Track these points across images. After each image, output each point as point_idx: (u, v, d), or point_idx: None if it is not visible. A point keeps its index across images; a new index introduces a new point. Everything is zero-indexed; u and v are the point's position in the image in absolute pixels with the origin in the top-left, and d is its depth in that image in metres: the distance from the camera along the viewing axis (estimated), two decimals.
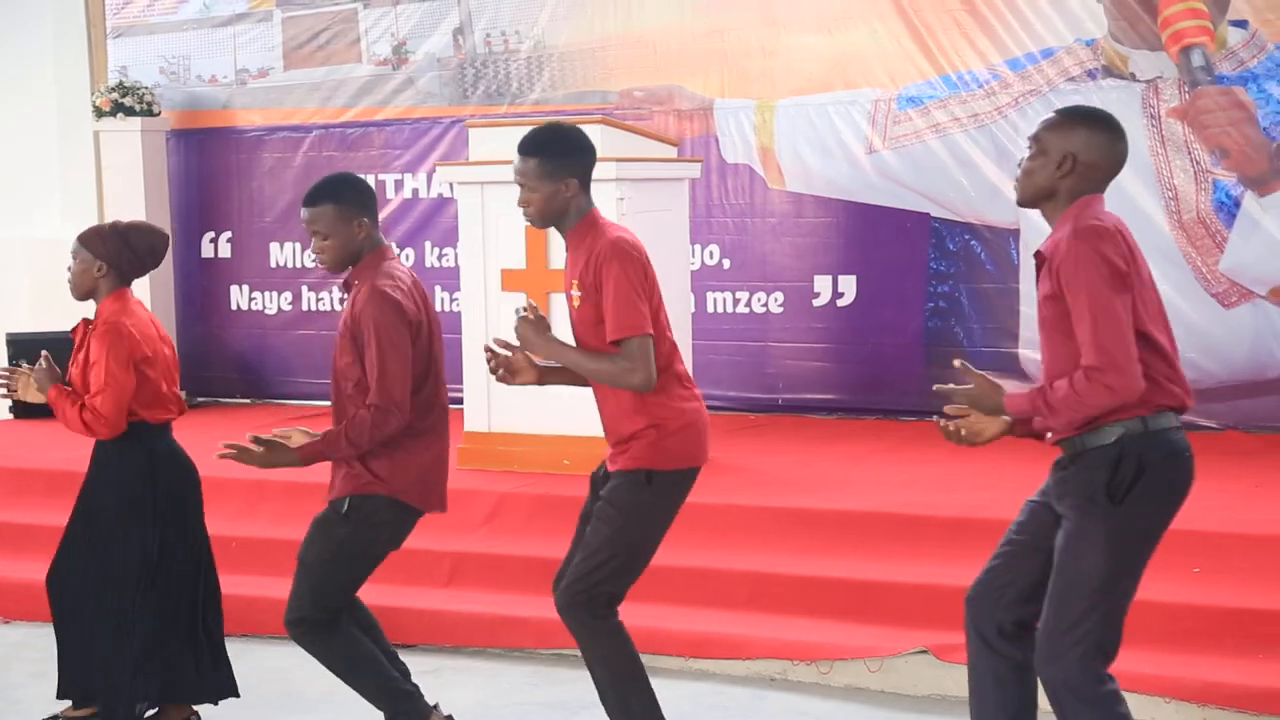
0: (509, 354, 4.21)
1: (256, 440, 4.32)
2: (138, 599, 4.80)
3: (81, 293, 4.87)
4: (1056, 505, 3.59)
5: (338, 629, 4.41)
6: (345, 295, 4.43)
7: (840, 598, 5.42)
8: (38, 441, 7.86)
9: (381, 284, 4.26)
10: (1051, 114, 3.67)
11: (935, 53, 7.75)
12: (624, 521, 4.08)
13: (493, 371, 4.25)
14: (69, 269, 4.86)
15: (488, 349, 4.24)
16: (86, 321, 4.89)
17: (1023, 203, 3.67)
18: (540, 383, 4.27)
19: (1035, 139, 3.61)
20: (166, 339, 4.94)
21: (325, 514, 4.39)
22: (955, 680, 4.89)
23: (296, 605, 4.37)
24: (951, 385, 3.67)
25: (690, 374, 4.32)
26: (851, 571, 5.51)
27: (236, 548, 6.33)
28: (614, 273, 4.01)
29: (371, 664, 4.46)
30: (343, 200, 4.33)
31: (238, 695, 4.97)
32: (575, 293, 4.11)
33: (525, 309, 4.17)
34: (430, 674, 5.30)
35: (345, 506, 4.32)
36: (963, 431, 3.65)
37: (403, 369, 4.20)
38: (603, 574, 4.09)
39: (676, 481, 4.14)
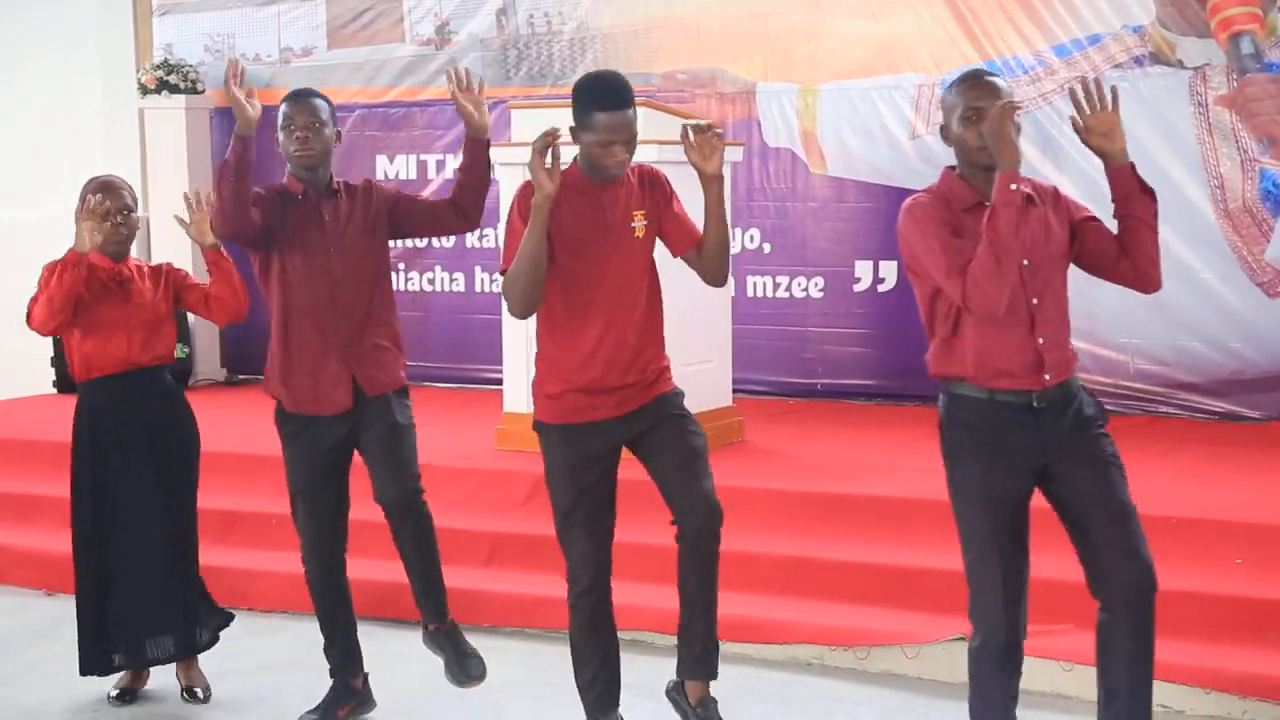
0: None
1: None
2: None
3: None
4: (1079, 437, 3.68)
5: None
6: None
7: (878, 583, 5.41)
8: None
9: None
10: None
11: (980, 38, 7.70)
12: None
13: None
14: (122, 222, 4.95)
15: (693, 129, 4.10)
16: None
17: None
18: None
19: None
20: None
21: (399, 398, 4.60)
22: None
23: (415, 475, 4.55)
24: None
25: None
26: (889, 557, 5.50)
27: (275, 525, 6.37)
28: (673, 191, 4.18)
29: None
30: None
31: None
32: (640, 223, 4.10)
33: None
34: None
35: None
36: (1097, 120, 3.71)
37: None
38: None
39: None
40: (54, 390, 8.85)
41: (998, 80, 3.76)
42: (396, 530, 4.60)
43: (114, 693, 5.05)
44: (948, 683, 5.00)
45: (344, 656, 4.76)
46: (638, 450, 4.16)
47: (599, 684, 4.27)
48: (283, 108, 4.60)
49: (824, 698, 4.98)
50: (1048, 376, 3.69)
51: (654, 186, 4.16)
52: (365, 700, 4.82)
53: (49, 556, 6.43)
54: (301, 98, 4.66)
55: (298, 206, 4.56)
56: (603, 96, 4.00)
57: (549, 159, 3.91)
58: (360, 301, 4.57)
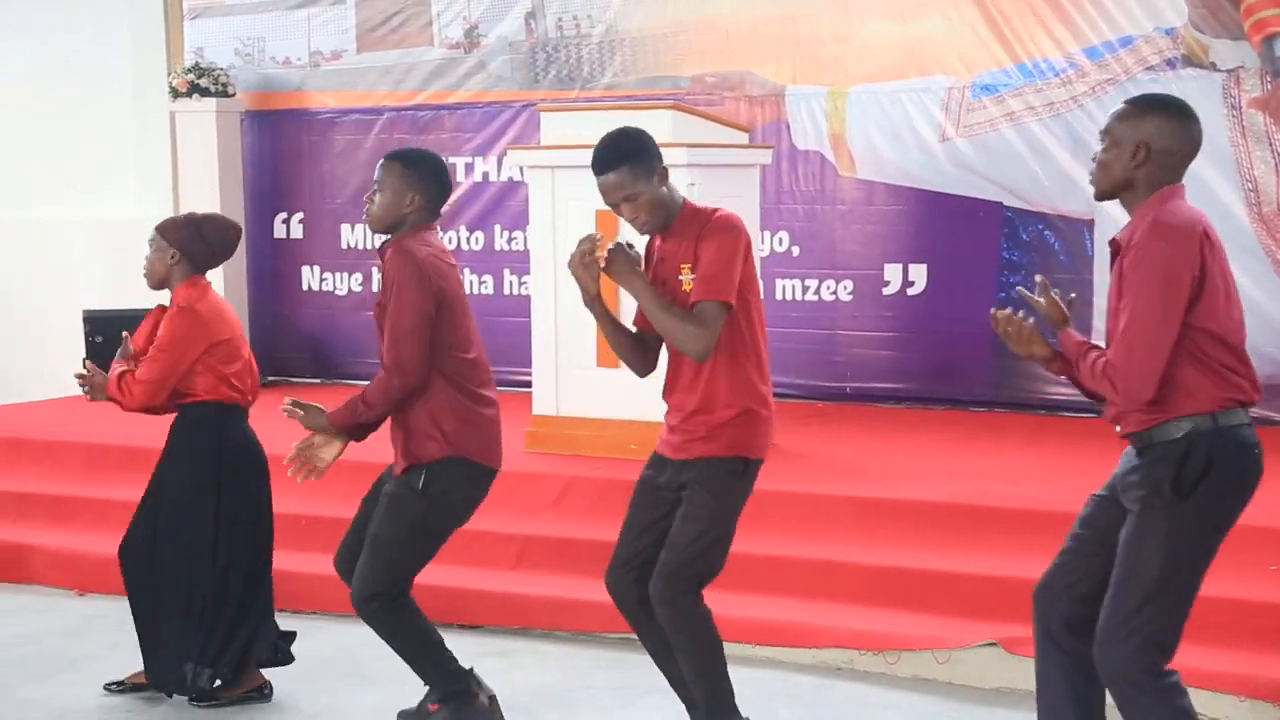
0: None
1: (295, 404, 4.49)
2: (204, 573, 4.89)
3: (155, 280, 4.99)
4: (1123, 498, 3.56)
5: (405, 605, 4.48)
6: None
7: (908, 588, 5.39)
8: (112, 417, 7.94)
9: (410, 246, 4.40)
10: (1120, 105, 3.64)
11: (1011, 40, 7.68)
12: (724, 509, 4.09)
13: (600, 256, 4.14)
14: (146, 258, 4.96)
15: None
16: (162, 308, 4.98)
17: (1100, 196, 3.65)
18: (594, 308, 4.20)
19: (1106, 131, 3.60)
20: (238, 325, 5.02)
21: (398, 489, 4.44)
22: (1024, 673, 4.84)
23: (370, 581, 4.42)
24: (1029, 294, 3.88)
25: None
26: (920, 562, 5.48)
27: (306, 525, 6.40)
28: (718, 240, 4.03)
29: (433, 642, 4.53)
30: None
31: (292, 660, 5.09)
32: (686, 276, 4.08)
33: (617, 243, 4.14)
34: (498, 655, 5.34)
35: (421, 481, 4.38)
36: (1008, 330, 3.75)
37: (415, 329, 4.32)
38: (705, 560, 4.10)
39: (756, 469, 4.17)
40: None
41: None
42: None
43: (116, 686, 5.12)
44: (978, 688, 4.99)
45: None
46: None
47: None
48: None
49: (853, 702, 4.97)
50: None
51: (708, 233, 4.06)
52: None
53: (80, 557, 6.47)
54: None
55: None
56: (592, 163, 4.12)
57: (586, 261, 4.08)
58: None
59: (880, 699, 4.98)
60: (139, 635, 5.01)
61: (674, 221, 4.14)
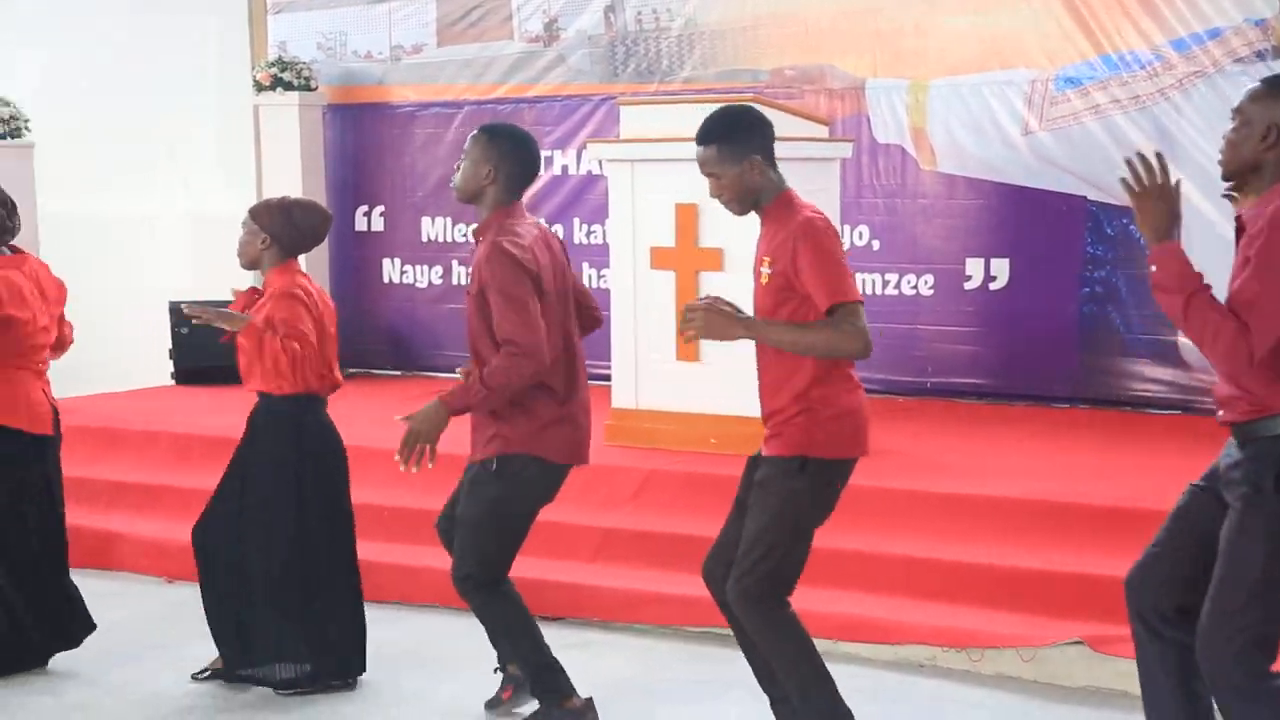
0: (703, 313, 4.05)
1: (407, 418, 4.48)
2: (288, 561, 4.96)
3: (246, 261, 5.07)
4: (1225, 493, 3.52)
5: (501, 589, 4.53)
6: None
7: (991, 585, 5.36)
8: (199, 407, 8.09)
9: (500, 240, 4.39)
10: (1256, 84, 3.58)
11: (1096, 33, 7.60)
12: (780, 509, 4.05)
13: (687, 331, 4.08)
14: (239, 238, 5.05)
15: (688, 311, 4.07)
16: (255, 290, 5.04)
17: (1227, 176, 3.59)
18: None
19: (1238, 110, 3.54)
20: (332, 314, 5.07)
21: (476, 473, 4.52)
22: (1112, 672, 4.82)
23: (461, 562, 4.52)
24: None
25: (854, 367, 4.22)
26: (1003, 559, 5.45)
27: (388, 516, 6.46)
28: (812, 246, 3.97)
29: (529, 632, 4.57)
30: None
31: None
32: (766, 269, 4.07)
33: (707, 299, 4.07)
34: (579, 647, 5.36)
35: (494, 465, 4.44)
36: (1148, 184, 3.49)
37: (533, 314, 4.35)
38: (769, 561, 4.06)
39: (830, 470, 4.09)
40: (172, 382, 9.04)
41: None
42: None
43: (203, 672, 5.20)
44: (1064, 686, 4.95)
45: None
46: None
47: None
48: None
49: (937, 700, 4.95)
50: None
51: (793, 246, 3.99)
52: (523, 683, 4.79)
53: (169, 545, 6.56)
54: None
55: None
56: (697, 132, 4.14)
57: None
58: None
59: (964, 697, 4.95)
60: (212, 620, 5.08)
61: (767, 207, 4.12)
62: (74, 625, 5.39)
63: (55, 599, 5.35)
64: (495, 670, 4.88)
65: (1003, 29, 7.81)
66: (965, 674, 5.12)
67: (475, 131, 4.56)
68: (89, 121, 9.90)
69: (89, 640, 5.49)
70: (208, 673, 5.20)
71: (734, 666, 4.44)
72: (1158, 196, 3.49)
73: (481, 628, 4.70)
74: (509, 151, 4.49)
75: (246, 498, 5.02)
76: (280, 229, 4.98)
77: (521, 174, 4.53)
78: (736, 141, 4.07)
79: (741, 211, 4.16)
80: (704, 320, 3.99)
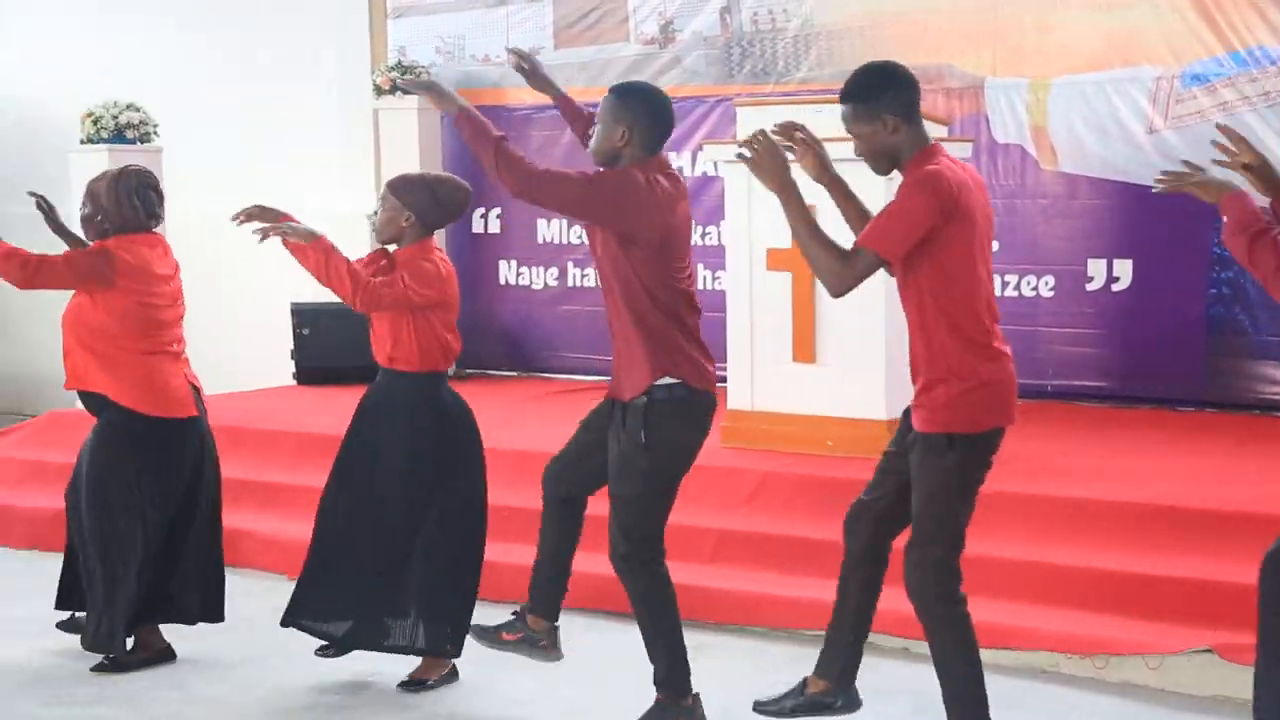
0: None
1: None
2: (405, 544, 5.03)
3: (387, 237, 5.06)
4: None
5: (659, 567, 4.52)
6: None
7: (1116, 591, 5.27)
8: (319, 407, 8.21)
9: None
10: None
11: (1224, 28, 7.44)
12: (933, 488, 4.04)
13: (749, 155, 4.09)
14: (375, 213, 5.06)
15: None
16: (384, 251, 5.09)
17: None
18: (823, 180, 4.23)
19: None
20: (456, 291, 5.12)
21: (625, 448, 4.41)
22: (1242, 681, 4.69)
23: (622, 539, 4.46)
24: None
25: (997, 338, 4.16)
26: (1128, 564, 5.35)
27: (507, 516, 6.49)
28: (899, 195, 3.97)
29: (675, 617, 4.58)
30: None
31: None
32: None
33: (785, 125, 4.13)
34: (694, 649, 5.30)
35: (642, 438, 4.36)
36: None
37: None
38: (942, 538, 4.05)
39: (977, 445, 4.07)
40: (294, 382, 9.18)
41: None
42: None
43: (324, 644, 5.27)
44: (1192, 695, 4.86)
45: (533, 581, 4.80)
46: None
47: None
48: None
49: (1060, 706, 4.88)
50: None
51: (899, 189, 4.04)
52: (534, 643, 4.77)
53: (290, 543, 6.66)
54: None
55: None
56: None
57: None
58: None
59: (1089, 704, 4.87)
60: (328, 596, 5.12)
61: (907, 164, 4.06)
62: (219, 602, 5.52)
63: (209, 570, 5.46)
64: (514, 613, 4.80)
65: (1126, 25, 7.68)
66: (1089, 681, 5.03)
67: (606, 93, 4.48)
68: (214, 126, 10.08)
69: (215, 635, 5.61)
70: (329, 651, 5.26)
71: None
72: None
73: (590, 627, 4.74)
74: (642, 110, 4.41)
75: (380, 468, 5.03)
76: (425, 205, 5.01)
77: (657, 131, 4.42)
78: (871, 100, 4.05)
79: (881, 170, 4.13)
80: (760, 155, 4.00)
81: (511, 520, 6.43)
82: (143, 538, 5.26)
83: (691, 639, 5.40)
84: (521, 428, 7.39)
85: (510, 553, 6.19)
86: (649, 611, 4.56)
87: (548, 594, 4.72)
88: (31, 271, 5.17)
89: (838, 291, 3.98)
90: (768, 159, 4.01)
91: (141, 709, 5.03)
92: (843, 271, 3.94)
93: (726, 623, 5.79)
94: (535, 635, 4.73)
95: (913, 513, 4.08)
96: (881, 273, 4.09)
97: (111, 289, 5.18)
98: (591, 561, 4.85)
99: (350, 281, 4.80)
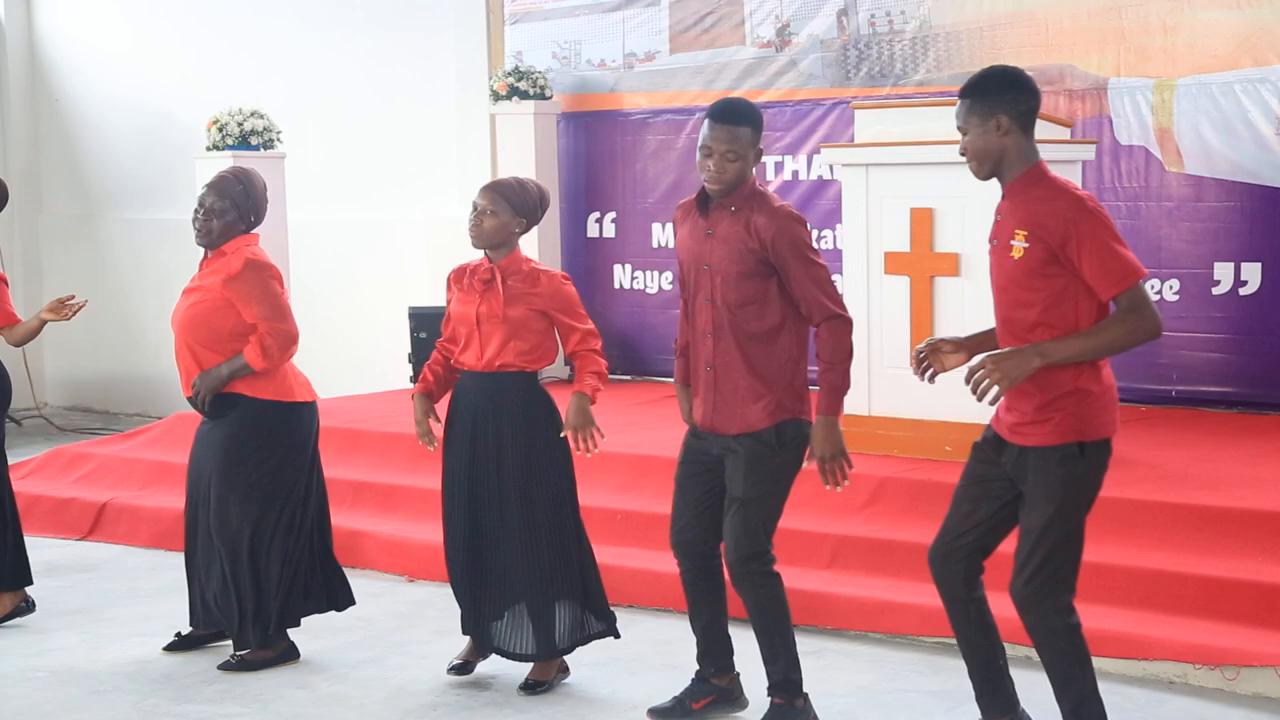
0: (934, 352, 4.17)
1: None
2: (573, 522, 5.15)
3: (495, 243, 5.05)
4: None
5: (776, 573, 4.57)
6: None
7: (1246, 600, 5.15)
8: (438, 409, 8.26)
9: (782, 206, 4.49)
10: None
11: None
12: (1064, 498, 3.98)
13: (921, 371, 4.21)
14: (480, 219, 5.03)
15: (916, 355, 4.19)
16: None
17: None
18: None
19: None
20: None
21: (753, 448, 4.46)
22: None
23: (749, 541, 4.48)
24: None
25: None
26: (1259, 574, 5.22)
27: (621, 520, 6.52)
28: (1091, 230, 3.89)
29: (789, 621, 4.62)
30: None
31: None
32: (1020, 242, 3.97)
33: (932, 343, 4.17)
34: (812, 655, 5.31)
35: (774, 438, 4.47)
36: None
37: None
38: (1060, 556, 4.01)
39: (1105, 450, 4.05)
40: (411, 385, 9.25)
41: None
42: (734, 589, 4.64)
43: (455, 661, 5.30)
44: None
45: (704, 644, 4.79)
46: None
47: None
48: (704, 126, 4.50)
49: (1189, 718, 4.77)
50: None
51: (1064, 219, 3.90)
52: (728, 697, 4.82)
53: (410, 545, 6.75)
54: (720, 119, 4.45)
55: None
56: None
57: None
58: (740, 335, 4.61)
59: (1218, 716, 4.76)
60: (477, 596, 5.16)
61: (1016, 177, 4.02)
62: (341, 591, 5.62)
63: (329, 561, 5.60)
64: (699, 675, 4.81)
65: (1257, 24, 7.51)
66: (1218, 693, 4.92)
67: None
68: (333, 132, 10.24)
69: (336, 635, 5.69)
70: (463, 666, 5.31)
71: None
72: None
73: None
74: (760, 128, 4.47)
75: (526, 466, 5.06)
76: (533, 210, 5.12)
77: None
78: (989, 97, 4.00)
79: (981, 173, 4.06)
80: (998, 368, 3.88)
81: (626, 524, 6.47)
82: (289, 527, 5.40)
83: (810, 645, 5.41)
84: (635, 431, 7.40)
85: (626, 556, 6.22)
86: (766, 616, 4.57)
87: (723, 650, 4.78)
88: (285, 343, 5.36)
89: (1160, 329, 3.92)
90: (1009, 365, 3.90)
91: (267, 707, 5.10)
92: (1139, 323, 3.88)
93: (845, 629, 5.75)
94: (726, 690, 4.79)
95: (1032, 529, 4.02)
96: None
97: None
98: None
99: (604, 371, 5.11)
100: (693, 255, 4.55)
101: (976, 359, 3.97)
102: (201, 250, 5.49)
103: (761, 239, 4.40)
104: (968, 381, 3.93)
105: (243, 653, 5.44)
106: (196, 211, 5.42)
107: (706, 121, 4.44)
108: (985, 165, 4.04)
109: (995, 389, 3.89)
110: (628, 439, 7.02)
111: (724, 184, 4.43)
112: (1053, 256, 3.92)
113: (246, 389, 5.35)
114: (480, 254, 5.14)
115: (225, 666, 5.42)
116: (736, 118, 4.42)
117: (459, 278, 5.15)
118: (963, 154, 4.07)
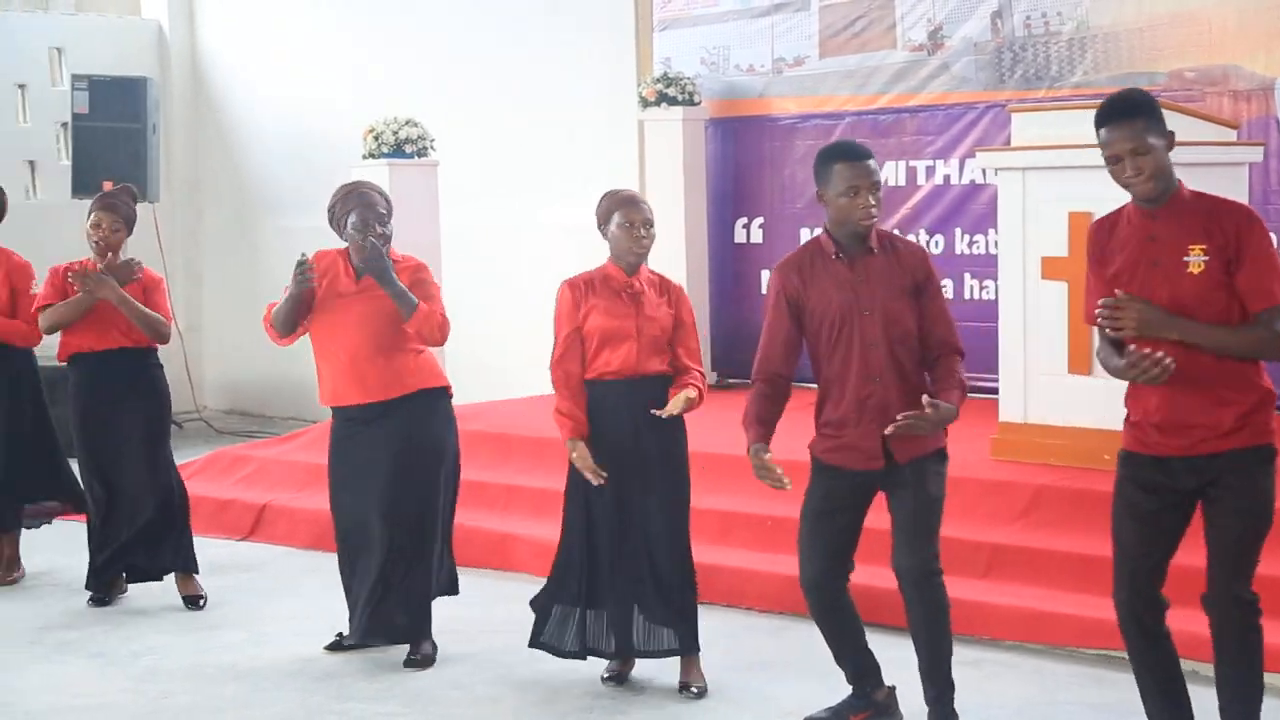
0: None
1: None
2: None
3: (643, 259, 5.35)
4: None
5: None
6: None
7: None
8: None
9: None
10: None
11: None
12: (1267, 502, 3.95)
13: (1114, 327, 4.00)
14: (648, 236, 5.26)
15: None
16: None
17: None
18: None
19: None
20: None
21: (934, 464, 4.59)
22: None
23: (933, 556, 4.61)
24: None
25: None
26: None
27: (771, 526, 6.50)
28: (1256, 240, 3.88)
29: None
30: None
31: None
32: (1198, 257, 3.91)
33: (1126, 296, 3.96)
34: (971, 665, 5.26)
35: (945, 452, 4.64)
36: None
37: None
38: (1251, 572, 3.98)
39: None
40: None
41: None
42: (907, 605, 4.63)
43: (605, 675, 5.34)
44: None
45: (856, 668, 4.78)
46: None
47: None
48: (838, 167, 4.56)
49: None
50: None
51: (1236, 229, 3.90)
52: (886, 711, 4.81)
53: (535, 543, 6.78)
54: (857, 156, 4.60)
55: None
56: (1104, 112, 4.02)
57: None
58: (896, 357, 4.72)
59: None
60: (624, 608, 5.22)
61: (1170, 199, 3.96)
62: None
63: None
64: (875, 690, 4.81)
65: None
66: None
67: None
68: (485, 139, 10.35)
69: (489, 638, 5.80)
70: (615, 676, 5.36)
71: (1134, 693, 4.24)
72: None
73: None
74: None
75: (670, 471, 5.20)
76: None
77: None
78: (1155, 116, 3.95)
79: (1158, 193, 3.96)
80: (1139, 314, 3.88)
81: (777, 530, 6.43)
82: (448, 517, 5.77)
83: (968, 654, 5.36)
84: (780, 437, 7.35)
85: (776, 563, 6.19)
86: (946, 626, 4.60)
87: (872, 665, 4.80)
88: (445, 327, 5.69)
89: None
90: (1151, 318, 3.89)
91: (427, 707, 5.18)
92: (1275, 340, 3.88)
93: (1004, 639, 5.67)
94: (883, 704, 4.80)
95: (1229, 538, 3.95)
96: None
97: None
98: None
99: None
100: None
101: (1121, 297, 3.94)
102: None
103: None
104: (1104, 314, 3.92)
105: (427, 651, 5.59)
106: (372, 227, 5.53)
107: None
108: (1162, 183, 3.97)
109: (1127, 327, 3.89)
110: (782, 445, 6.93)
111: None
112: (1226, 266, 3.90)
113: (437, 380, 5.67)
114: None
115: (414, 664, 5.55)
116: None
117: (589, 289, 5.29)
118: (1134, 175, 3.96)
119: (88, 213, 6.47)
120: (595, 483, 5.09)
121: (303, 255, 5.40)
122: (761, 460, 4.53)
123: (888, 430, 4.42)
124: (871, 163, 4.56)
